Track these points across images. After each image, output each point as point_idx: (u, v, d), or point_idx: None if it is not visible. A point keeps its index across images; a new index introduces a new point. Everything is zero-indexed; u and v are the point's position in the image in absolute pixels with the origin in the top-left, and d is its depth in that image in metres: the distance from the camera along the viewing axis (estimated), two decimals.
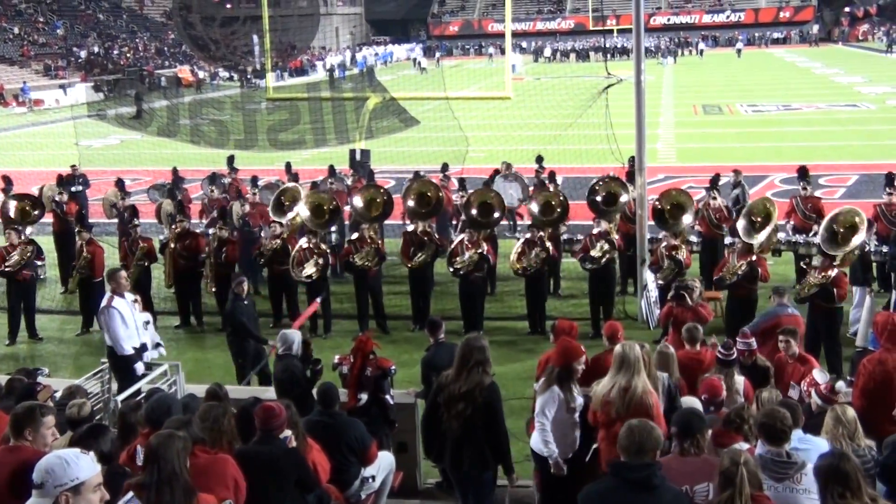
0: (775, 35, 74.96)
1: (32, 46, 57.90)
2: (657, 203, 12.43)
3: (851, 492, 4.17)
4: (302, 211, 12.99)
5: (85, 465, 4.02)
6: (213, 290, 12.94)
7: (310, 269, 12.22)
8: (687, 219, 12.34)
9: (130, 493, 4.45)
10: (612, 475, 4.60)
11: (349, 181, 15.93)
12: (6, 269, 12.37)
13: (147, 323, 9.85)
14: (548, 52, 68.01)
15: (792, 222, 13.53)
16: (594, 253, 11.95)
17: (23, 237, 12.71)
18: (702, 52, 65.65)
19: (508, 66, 20.27)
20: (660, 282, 11.75)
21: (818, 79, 46.63)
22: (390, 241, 13.48)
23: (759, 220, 11.35)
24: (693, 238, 13.33)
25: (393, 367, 7.69)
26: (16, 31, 59.01)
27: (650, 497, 4.45)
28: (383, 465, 6.97)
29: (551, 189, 13.76)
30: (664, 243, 11.96)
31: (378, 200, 13.16)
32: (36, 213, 13.98)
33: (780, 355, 7.80)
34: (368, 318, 12.63)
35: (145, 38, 68.56)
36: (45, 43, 59.74)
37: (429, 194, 13.25)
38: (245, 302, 10.39)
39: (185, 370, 8.92)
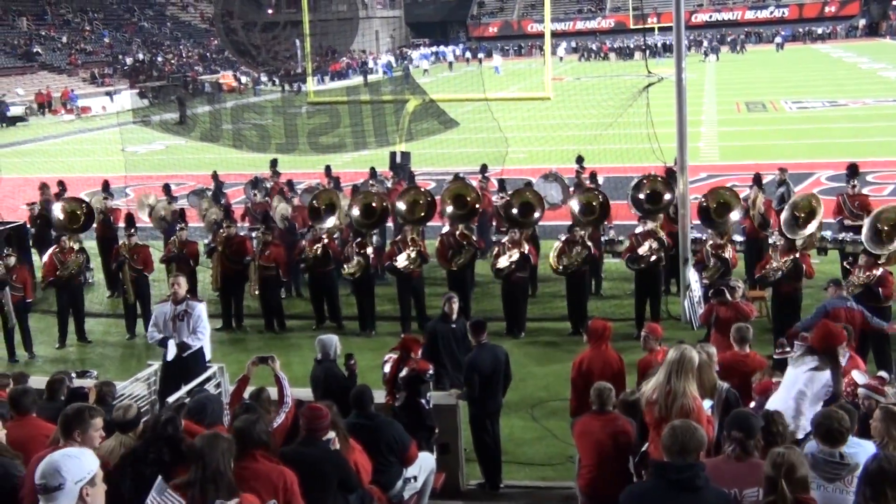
0: (820, 30, 73.59)
1: (80, 55, 59.06)
2: (703, 201, 12.30)
3: None
4: (353, 212, 13.18)
5: (92, 457, 4.18)
6: (257, 292, 13.11)
7: (351, 269, 12.48)
8: (735, 216, 12.21)
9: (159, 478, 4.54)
10: (655, 476, 4.56)
11: (389, 184, 16.02)
12: (59, 278, 12.64)
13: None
14: (561, 51, 67.32)
15: (841, 220, 13.29)
16: (641, 251, 11.86)
17: (74, 243, 12.97)
18: (707, 52, 62.27)
19: (549, 65, 20.21)
20: (705, 281, 11.61)
21: (865, 74, 45.73)
22: (430, 243, 13.51)
23: (802, 215, 11.16)
24: (738, 238, 13.16)
25: (430, 372, 7.69)
26: (64, 40, 60.28)
27: (693, 498, 4.40)
28: (424, 465, 6.99)
29: (592, 188, 13.71)
30: (710, 242, 11.84)
31: (421, 202, 13.21)
32: (85, 218, 14.12)
33: None
34: (411, 319, 12.68)
35: (189, 45, 69.59)
36: (92, 51, 60.91)
37: (467, 196, 13.26)
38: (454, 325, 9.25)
39: (230, 372, 9.03)
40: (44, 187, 16.73)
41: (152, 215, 15.69)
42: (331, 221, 13.44)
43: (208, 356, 9.76)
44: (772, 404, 6.39)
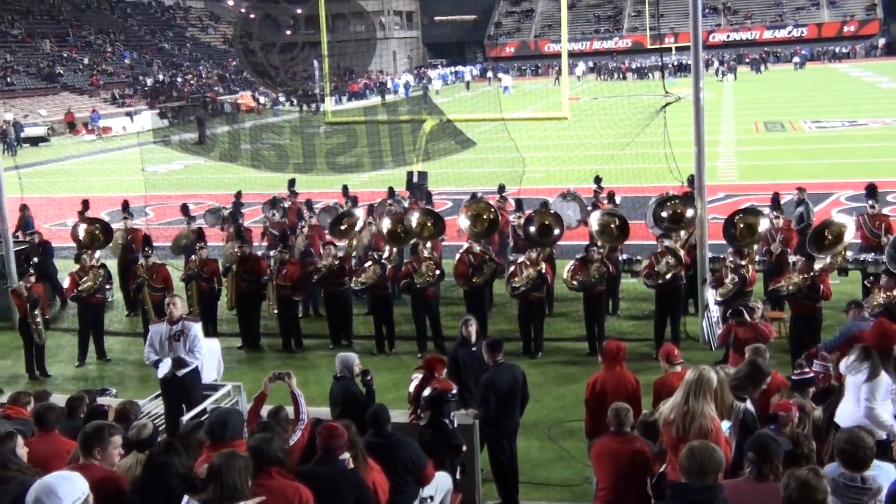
0: (839, 49, 73.35)
1: (101, 76, 59.76)
2: (733, 218, 12.21)
3: None
4: (384, 225, 13.30)
5: (83, 480, 4.24)
6: (275, 311, 13.15)
7: (365, 277, 12.58)
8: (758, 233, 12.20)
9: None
10: (674, 497, 4.53)
11: (406, 203, 16.07)
12: (80, 294, 12.75)
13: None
14: (579, 70, 67.53)
15: (859, 241, 13.22)
16: (659, 269, 11.81)
17: (94, 261, 13.10)
18: (724, 73, 61.69)
19: (566, 85, 20.27)
20: (718, 298, 11.55)
21: (885, 93, 45.52)
22: (447, 263, 13.54)
23: (830, 237, 11.09)
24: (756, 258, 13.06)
25: (453, 392, 7.68)
26: (86, 61, 61.01)
27: None
28: (441, 485, 6.95)
29: (608, 208, 13.71)
30: (729, 260, 11.77)
31: (428, 225, 13.27)
32: (104, 238, 14.29)
33: None
34: (426, 339, 12.67)
35: (208, 66, 70.28)
36: (113, 72, 61.62)
37: (485, 216, 13.28)
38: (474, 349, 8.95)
39: (247, 390, 9.06)
40: (24, 208, 16.93)
41: (174, 244, 15.76)
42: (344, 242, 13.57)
43: (209, 376, 9.80)
44: (843, 415, 6.36)
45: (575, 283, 12.21)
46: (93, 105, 52.70)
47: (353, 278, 12.78)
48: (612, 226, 12.88)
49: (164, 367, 9.35)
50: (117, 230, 15.24)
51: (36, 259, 15.56)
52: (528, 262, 12.13)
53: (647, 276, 12.06)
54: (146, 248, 13.28)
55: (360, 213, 14.64)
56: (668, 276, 11.82)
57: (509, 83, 57.40)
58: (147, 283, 12.97)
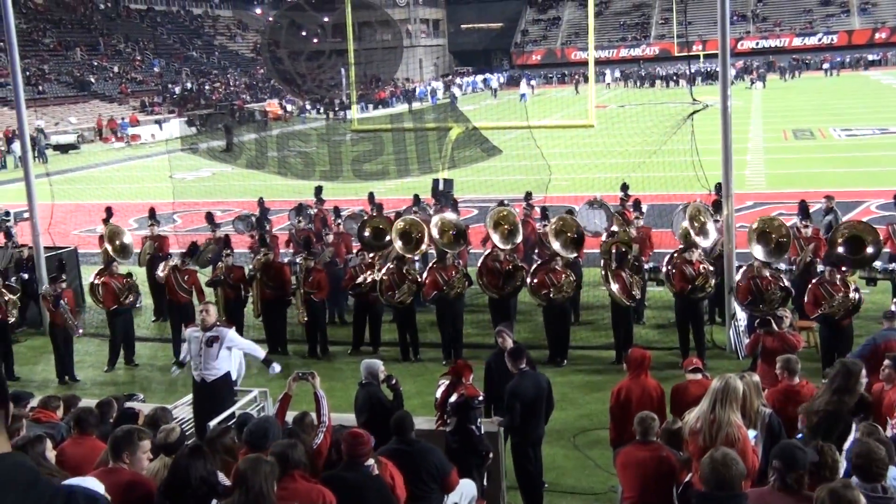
0: (871, 57, 72.47)
1: (130, 84, 60.46)
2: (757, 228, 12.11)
3: None
4: (394, 239, 13.27)
5: (100, 485, 4.31)
6: (305, 319, 13.20)
7: (401, 296, 12.51)
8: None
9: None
10: None
11: (432, 211, 16.09)
12: (126, 304, 13.01)
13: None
14: (608, 78, 67.65)
15: (889, 250, 13.05)
16: (700, 281, 11.71)
17: (119, 269, 13.31)
18: (752, 81, 61.44)
19: (592, 93, 20.24)
20: (764, 309, 11.40)
21: None
22: (472, 270, 13.54)
23: (843, 237, 11.01)
24: (782, 266, 12.92)
25: (479, 398, 7.67)
26: (115, 69, 61.77)
27: None
28: (466, 492, 6.93)
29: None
30: (766, 272, 11.55)
31: (448, 231, 13.29)
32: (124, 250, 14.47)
33: (878, 384, 7.44)
34: (451, 346, 12.66)
35: (236, 74, 70.89)
36: (142, 80, 62.34)
37: (504, 225, 13.27)
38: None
39: (273, 396, 9.10)
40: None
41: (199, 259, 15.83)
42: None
43: (237, 374, 9.91)
44: None
45: (632, 303, 12.07)
46: (122, 113, 53.32)
47: (385, 294, 12.68)
48: (569, 234, 12.88)
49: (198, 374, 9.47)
50: (144, 238, 15.37)
51: (26, 275, 14.64)
52: (556, 277, 12.08)
53: (690, 290, 11.85)
54: (191, 255, 13.41)
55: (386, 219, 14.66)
56: (711, 290, 11.76)
57: (526, 91, 57.05)
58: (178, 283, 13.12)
